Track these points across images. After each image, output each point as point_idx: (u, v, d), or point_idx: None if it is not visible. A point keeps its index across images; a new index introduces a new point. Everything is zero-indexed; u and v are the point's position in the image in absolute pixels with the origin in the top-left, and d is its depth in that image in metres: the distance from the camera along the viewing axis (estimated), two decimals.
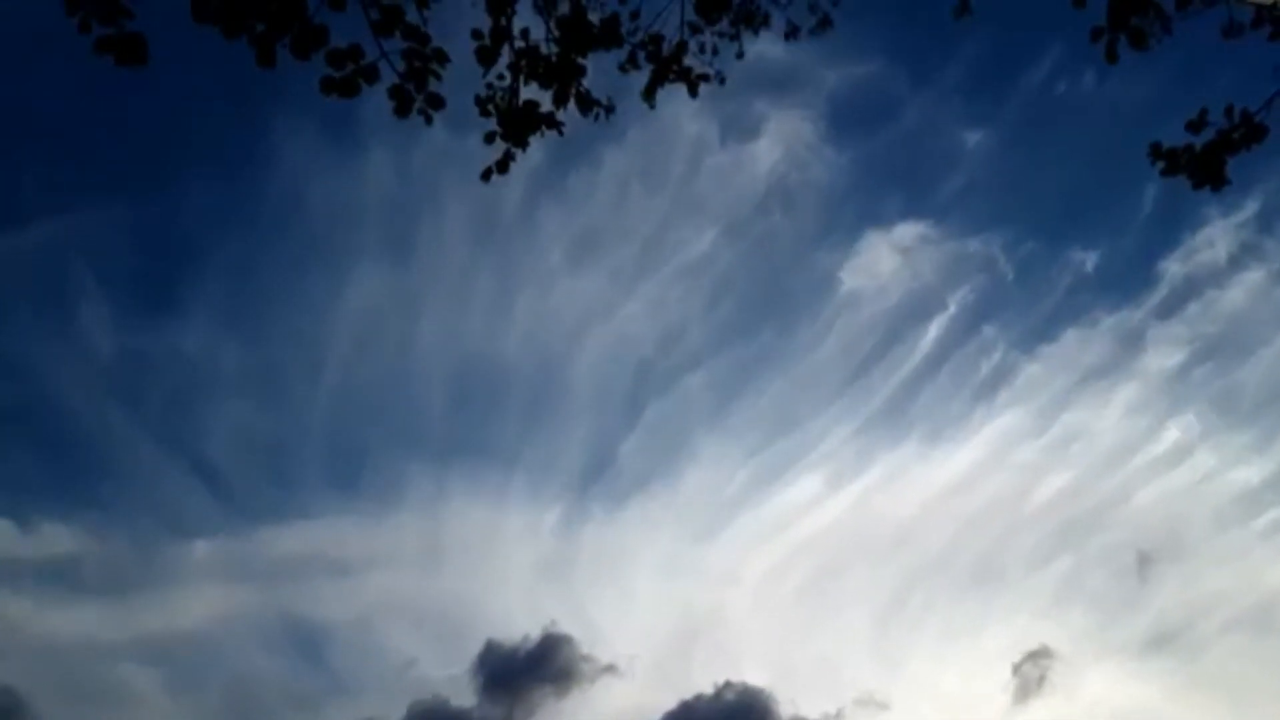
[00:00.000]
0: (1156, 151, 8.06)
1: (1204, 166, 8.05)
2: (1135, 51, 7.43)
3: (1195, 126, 7.94)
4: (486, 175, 6.01)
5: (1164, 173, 8.06)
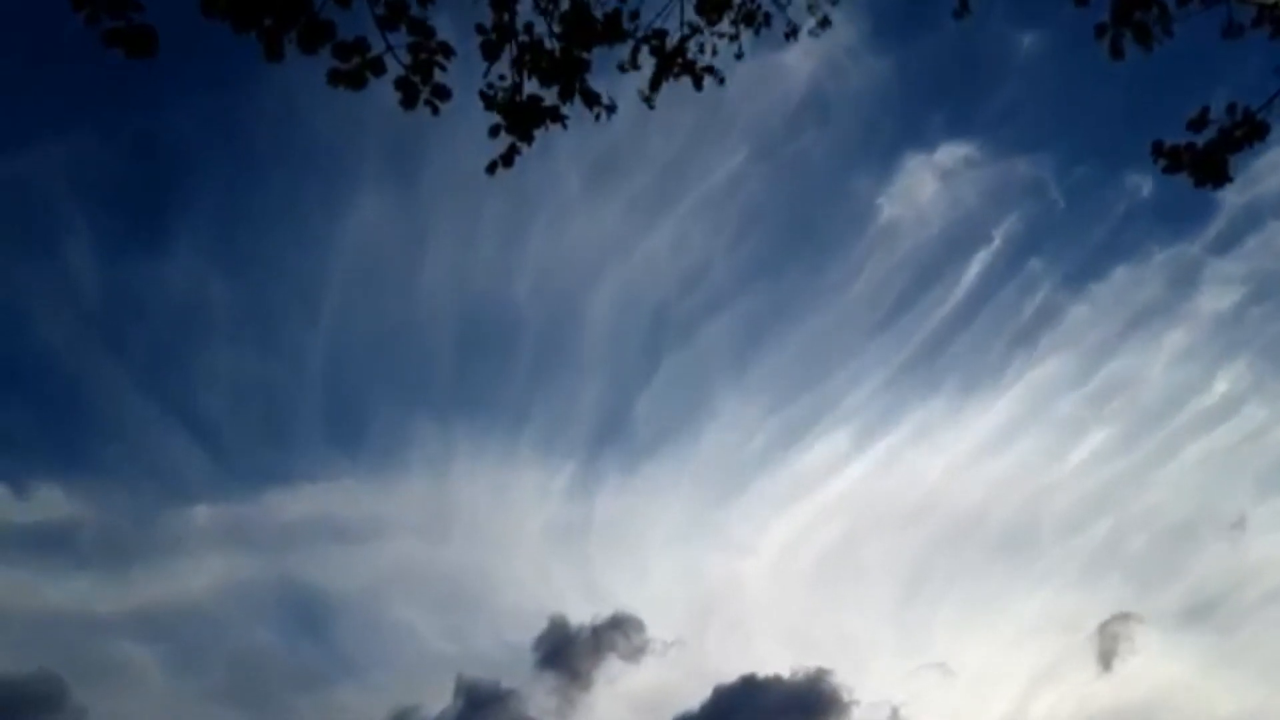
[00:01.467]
0: (1158, 150, 8.08)
1: (1206, 164, 8.07)
2: (1140, 48, 7.46)
3: (1197, 125, 7.96)
4: (491, 169, 6.05)
5: (1165, 170, 8.08)
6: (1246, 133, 8.02)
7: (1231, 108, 7.91)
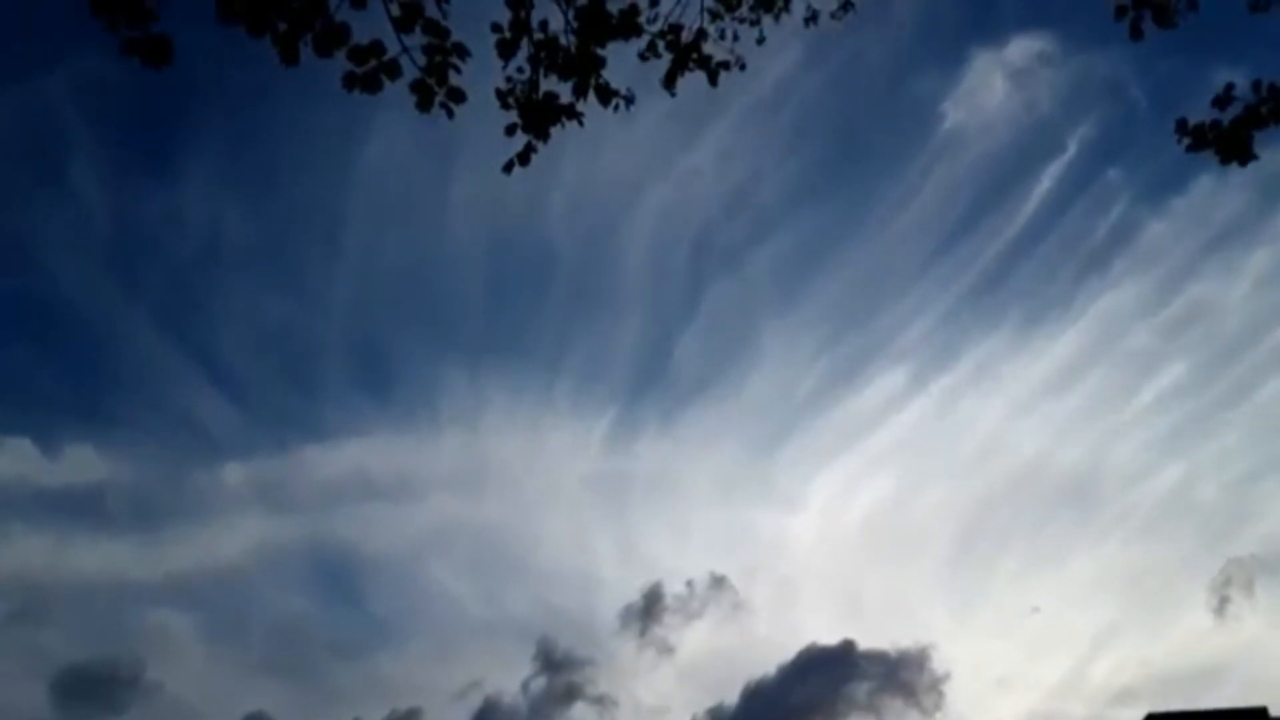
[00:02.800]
0: (1182, 127, 8.00)
1: (1231, 142, 7.98)
2: (1160, 29, 7.38)
3: (1222, 102, 7.87)
4: (508, 168, 6.08)
5: (1189, 149, 8.00)
6: (1272, 109, 7.92)
7: (1257, 84, 7.81)
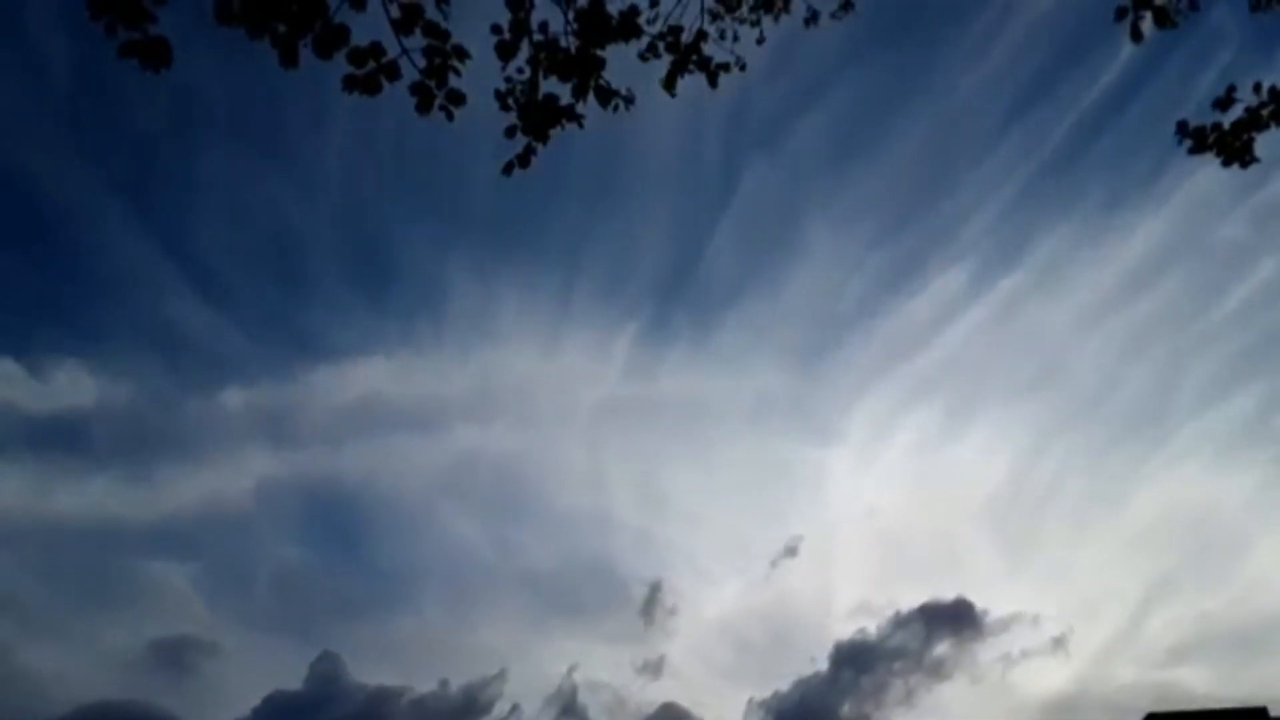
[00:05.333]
0: (1183, 130, 8.00)
1: (1232, 144, 7.98)
2: (1161, 30, 7.36)
3: (1223, 104, 7.87)
4: (508, 169, 6.07)
5: (1191, 151, 8.00)
6: (1274, 112, 7.92)
7: (1257, 86, 7.81)
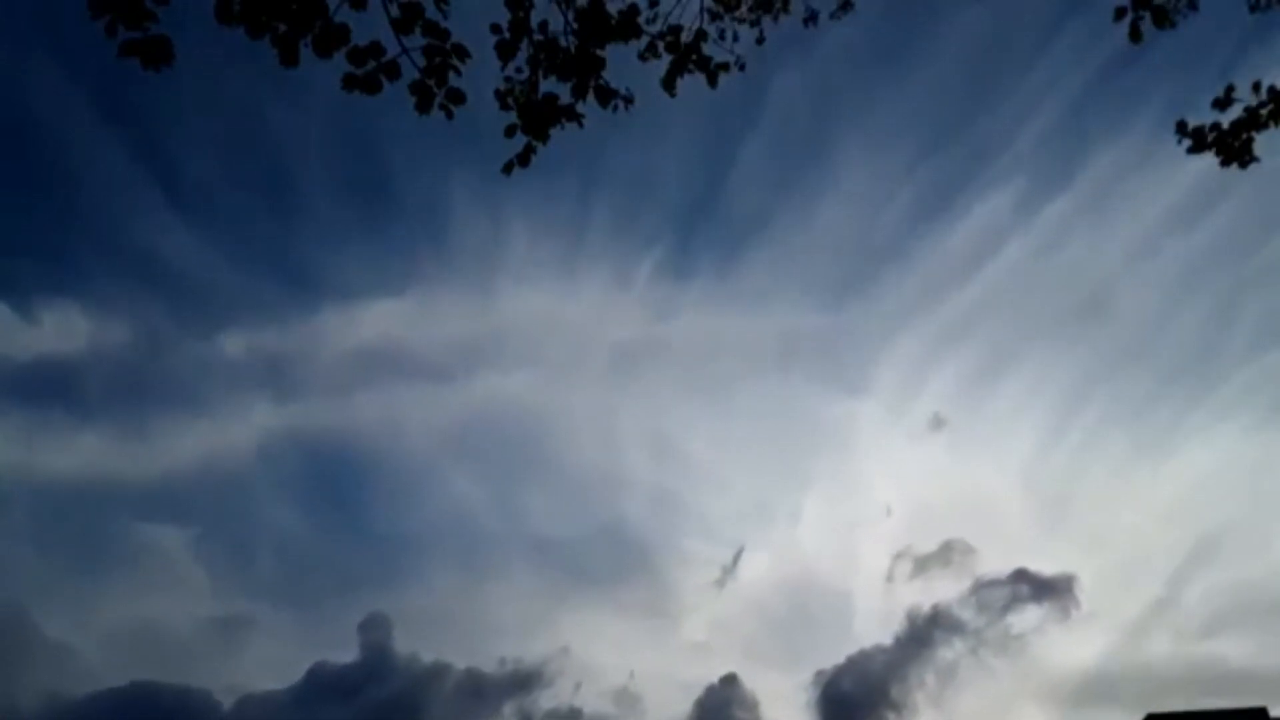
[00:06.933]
0: (1182, 129, 8.00)
1: (1231, 144, 7.98)
2: (1159, 30, 7.37)
3: (1222, 103, 7.87)
4: (508, 169, 6.08)
5: (1190, 150, 8.00)
6: (1273, 111, 7.93)
7: (1256, 86, 7.81)
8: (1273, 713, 36.76)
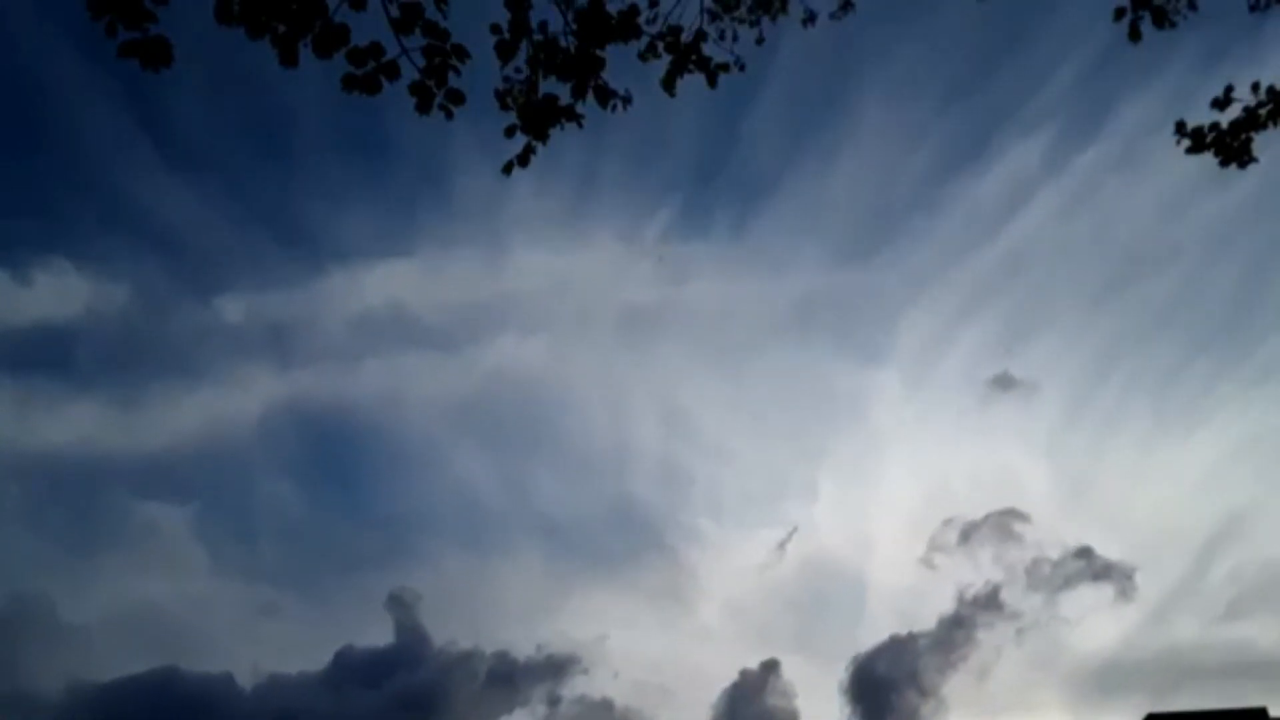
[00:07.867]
0: (1181, 129, 8.01)
1: (1230, 144, 7.99)
2: (1159, 30, 7.38)
3: (1221, 104, 7.88)
4: (508, 169, 6.09)
5: (1189, 151, 8.01)
6: (1272, 111, 7.94)
7: (1255, 86, 7.82)
8: (1273, 713, 36.78)
